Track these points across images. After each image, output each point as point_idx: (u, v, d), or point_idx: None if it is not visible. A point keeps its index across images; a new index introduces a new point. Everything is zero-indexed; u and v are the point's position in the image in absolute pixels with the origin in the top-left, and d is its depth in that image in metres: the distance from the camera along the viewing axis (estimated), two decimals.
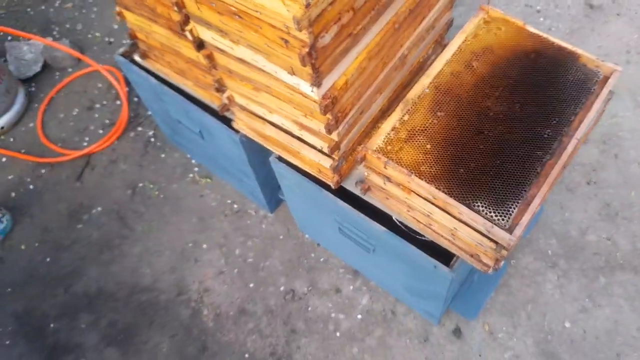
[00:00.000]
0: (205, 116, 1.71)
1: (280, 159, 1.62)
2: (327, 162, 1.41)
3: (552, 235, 2.07)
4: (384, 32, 1.22)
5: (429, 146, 1.27)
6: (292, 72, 1.10)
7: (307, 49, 0.97)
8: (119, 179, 2.34)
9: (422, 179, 1.22)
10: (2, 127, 2.48)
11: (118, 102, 2.55)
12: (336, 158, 1.37)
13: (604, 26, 2.60)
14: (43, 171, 2.40)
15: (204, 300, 2.03)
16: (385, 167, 1.26)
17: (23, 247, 2.20)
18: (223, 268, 2.09)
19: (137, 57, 1.84)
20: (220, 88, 1.49)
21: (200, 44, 1.34)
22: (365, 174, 1.38)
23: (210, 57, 1.33)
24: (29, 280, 2.12)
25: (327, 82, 1.12)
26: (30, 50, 2.62)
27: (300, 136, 1.41)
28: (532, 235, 2.07)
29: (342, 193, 1.53)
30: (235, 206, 2.23)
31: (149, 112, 2.48)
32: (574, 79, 1.35)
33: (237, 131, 1.65)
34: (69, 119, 2.54)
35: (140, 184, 2.32)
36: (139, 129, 2.47)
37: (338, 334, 1.93)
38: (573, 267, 1.99)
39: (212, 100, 1.69)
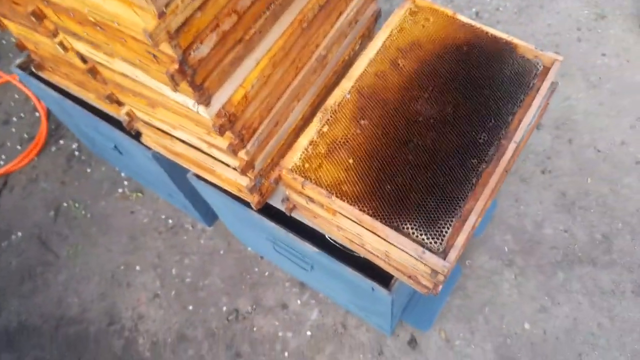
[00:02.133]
0: (114, 131, 1.51)
1: (199, 176, 1.44)
2: (244, 181, 1.24)
3: (507, 230, 1.96)
4: (289, 34, 1.04)
5: (351, 161, 1.12)
6: (175, 89, 0.92)
7: (176, 65, 0.79)
8: (40, 199, 2.13)
9: (343, 200, 1.07)
10: None
11: (37, 114, 2.32)
12: (252, 177, 1.21)
13: (552, 3, 2.47)
14: None
15: (139, 328, 1.86)
16: (303, 188, 1.10)
17: None
18: (158, 291, 1.92)
19: (33, 69, 1.62)
20: (120, 102, 1.30)
21: (83, 57, 1.15)
22: (287, 193, 1.22)
23: (94, 71, 1.14)
24: None
25: (220, 99, 0.95)
26: None
27: (210, 154, 1.24)
28: (486, 231, 1.95)
29: (272, 209, 1.37)
30: (170, 221, 2.05)
31: None
32: (511, 72, 1.21)
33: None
34: None
35: (64, 204, 2.11)
36: (61, 142, 2.25)
37: (286, 354, 1.79)
38: (530, 264, 1.89)
39: (119, 113, 1.49)
